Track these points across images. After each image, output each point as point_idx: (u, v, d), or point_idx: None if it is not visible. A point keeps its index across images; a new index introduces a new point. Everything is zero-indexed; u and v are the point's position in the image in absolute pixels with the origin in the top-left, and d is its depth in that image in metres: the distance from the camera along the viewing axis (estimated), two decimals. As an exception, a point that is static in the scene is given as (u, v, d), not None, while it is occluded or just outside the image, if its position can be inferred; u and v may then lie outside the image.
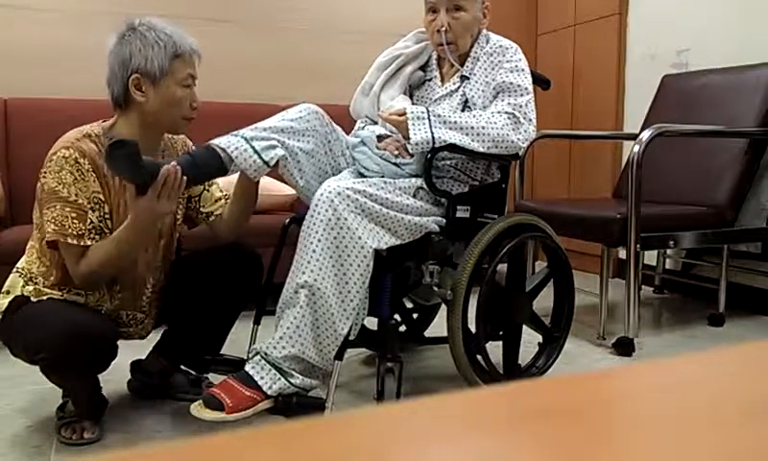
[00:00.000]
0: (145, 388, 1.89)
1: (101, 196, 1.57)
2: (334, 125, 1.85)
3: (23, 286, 1.61)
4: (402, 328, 2.32)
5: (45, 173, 1.55)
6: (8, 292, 1.62)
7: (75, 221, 1.52)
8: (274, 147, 1.64)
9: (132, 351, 1.86)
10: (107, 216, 1.58)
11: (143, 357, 1.91)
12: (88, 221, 1.54)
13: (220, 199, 1.84)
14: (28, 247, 1.67)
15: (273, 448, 0.29)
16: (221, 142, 1.61)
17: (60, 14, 2.96)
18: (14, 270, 1.66)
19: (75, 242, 1.52)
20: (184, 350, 1.85)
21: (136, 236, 1.54)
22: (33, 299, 1.58)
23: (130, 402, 1.88)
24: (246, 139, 1.62)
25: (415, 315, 2.35)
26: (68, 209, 1.52)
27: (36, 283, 1.61)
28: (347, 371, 2.13)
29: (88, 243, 1.53)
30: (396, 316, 1.76)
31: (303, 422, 0.32)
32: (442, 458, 0.29)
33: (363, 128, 2.02)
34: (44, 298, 1.59)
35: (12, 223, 2.57)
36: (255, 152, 1.61)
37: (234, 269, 1.77)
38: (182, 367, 1.91)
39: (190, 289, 1.76)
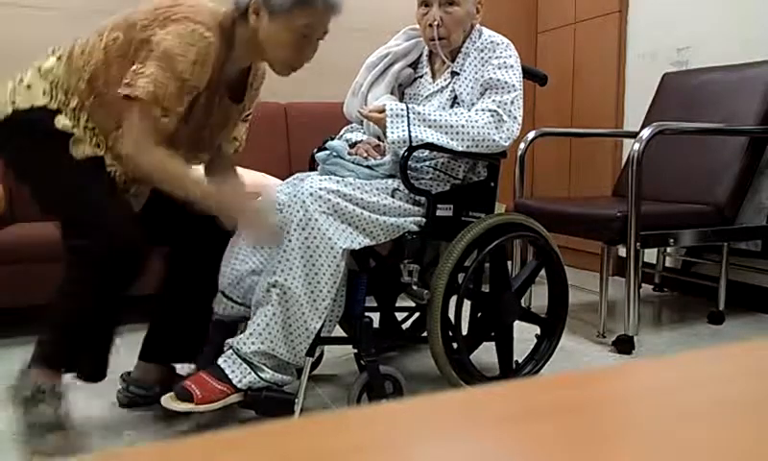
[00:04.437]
0: (144, 400, 1.80)
1: (201, 88, 1.53)
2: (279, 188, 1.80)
3: (51, 100, 1.52)
4: (406, 325, 2.32)
5: (170, 32, 1.45)
6: (29, 86, 1.54)
7: (171, 97, 1.46)
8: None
9: (130, 350, 1.85)
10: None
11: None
12: (177, 104, 1.48)
13: (235, 140, 1.83)
14: (79, 46, 1.58)
15: (271, 447, 0.29)
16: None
17: (60, 13, 2.96)
18: (38, 70, 1.57)
19: (158, 113, 1.46)
20: (172, 346, 1.81)
21: (202, 199, 1.50)
22: (72, 151, 1.49)
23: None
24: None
25: (417, 314, 2.35)
26: (174, 82, 1.46)
27: (75, 117, 1.51)
28: (338, 367, 2.14)
29: (165, 121, 1.47)
30: (369, 314, 1.76)
31: (302, 420, 0.32)
32: (441, 457, 0.29)
33: (340, 137, 2.01)
34: (81, 158, 1.50)
35: (11, 221, 2.56)
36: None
37: (199, 258, 1.76)
38: (176, 365, 1.86)
39: (166, 284, 1.78)
